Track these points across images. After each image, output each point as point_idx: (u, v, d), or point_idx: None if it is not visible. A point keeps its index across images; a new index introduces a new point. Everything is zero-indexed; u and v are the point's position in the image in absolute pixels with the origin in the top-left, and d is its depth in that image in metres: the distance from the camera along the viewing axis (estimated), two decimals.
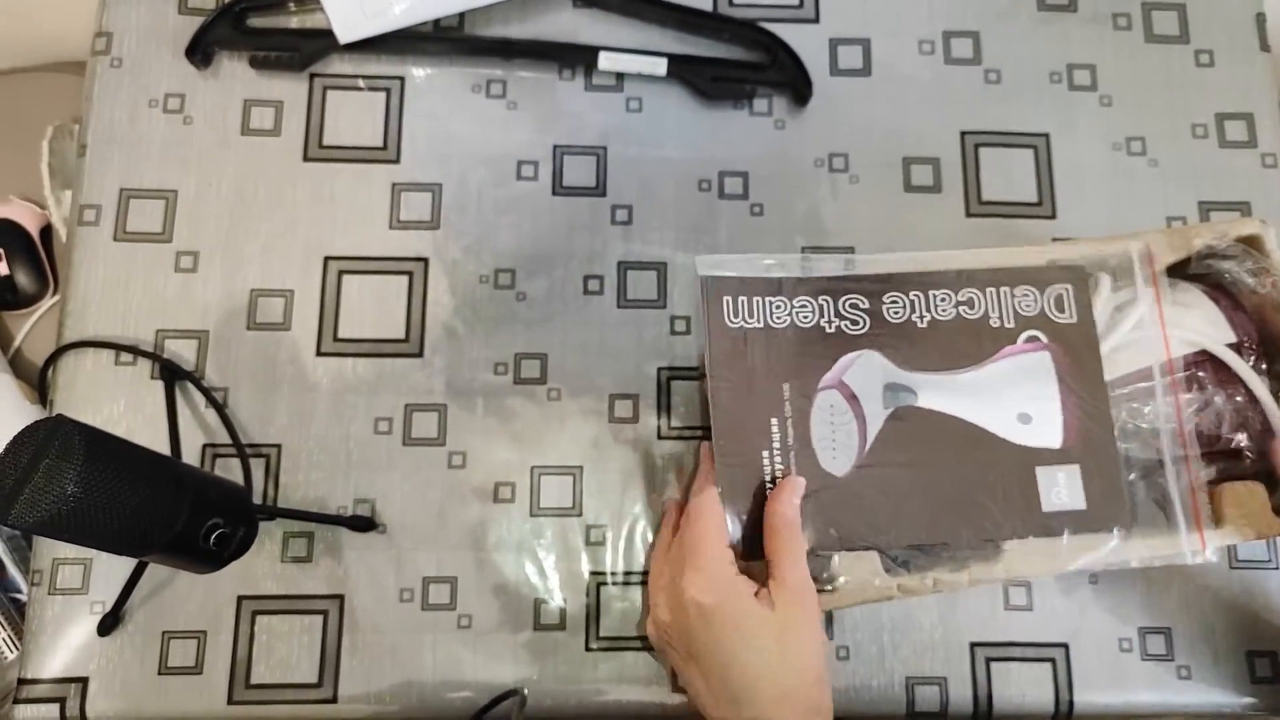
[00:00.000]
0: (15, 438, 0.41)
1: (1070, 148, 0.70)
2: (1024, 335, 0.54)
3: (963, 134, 0.70)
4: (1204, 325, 0.54)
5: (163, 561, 0.48)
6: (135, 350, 0.63)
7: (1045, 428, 0.53)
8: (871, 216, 0.68)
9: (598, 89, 0.70)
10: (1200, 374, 0.53)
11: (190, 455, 0.62)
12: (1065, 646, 0.63)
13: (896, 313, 0.54)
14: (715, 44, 0.70)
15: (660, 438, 0.64)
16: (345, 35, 0.66)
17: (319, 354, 0.64)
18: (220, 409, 0.62)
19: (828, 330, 0.54)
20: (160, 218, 0.66)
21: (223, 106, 0.68)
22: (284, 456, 0.63)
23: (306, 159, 0.67)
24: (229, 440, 0.62)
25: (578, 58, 0.69)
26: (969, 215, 0.69)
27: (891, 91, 0.70)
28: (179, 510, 0.45)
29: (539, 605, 0.62)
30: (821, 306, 0.54)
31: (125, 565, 0.60)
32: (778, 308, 0.54)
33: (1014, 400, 0.53)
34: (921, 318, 0.54)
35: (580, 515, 0.63)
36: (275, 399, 0.63)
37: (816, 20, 0.71)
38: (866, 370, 0.53)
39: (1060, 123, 0.70)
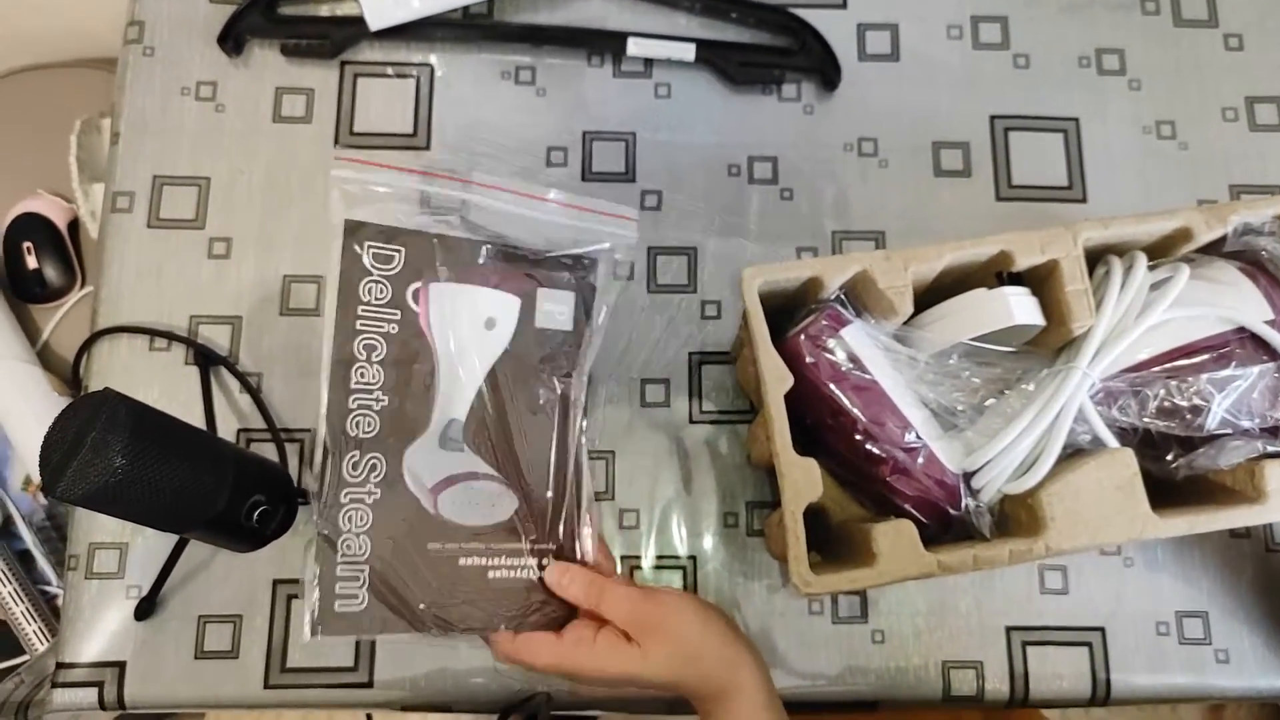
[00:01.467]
0: (62, 413, 0.41)
1: (1100, 131, 0.70)
2: (410, 297, 0.53)
3: (992, 118, 0.70)
4: (1241, 302, 0.54)
5: (204, 539, 0.48)
6: (170, 335, 0.63)
7: (501, 309, 0.55)
8: (901, 201, 0.68)
9: (626, 75, 0.70)
10: (1239, 351, 0.53)
11: None
12: (1102, 630, 0.62)
13: (358, 423, 0.52)
14: (743, 29, 0.70)
15: (692, 422, 0.64)
16: (376, 22, 0.66)
17: None
18: (254, 394, 0.63)
19: (371, 499, 0.51)
20: (193, 205, 0.66)
21: (254, 94, 0.68)
22: (317, 441, 0.63)
23: (338, 145, 0.67)
24: (263, 425, 0.62)
25: (606, 44, 0.69)
26: (999, 199, 0.69)
27: (920, 76, 0.70)
28: (223, 485, 0.45)
29: None
30: (348, 521, 0.51)
31: (161, 549, 0.60)
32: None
33: (472, 329, 0.54)
34: (379, 403, 0.52)
35: (613, 500, 0.63)
36: (309, 384, 0.64)
37: (844, 6, 0.71)
38: (420, 462, 0.52)
39: (1090, 107, 0.70)
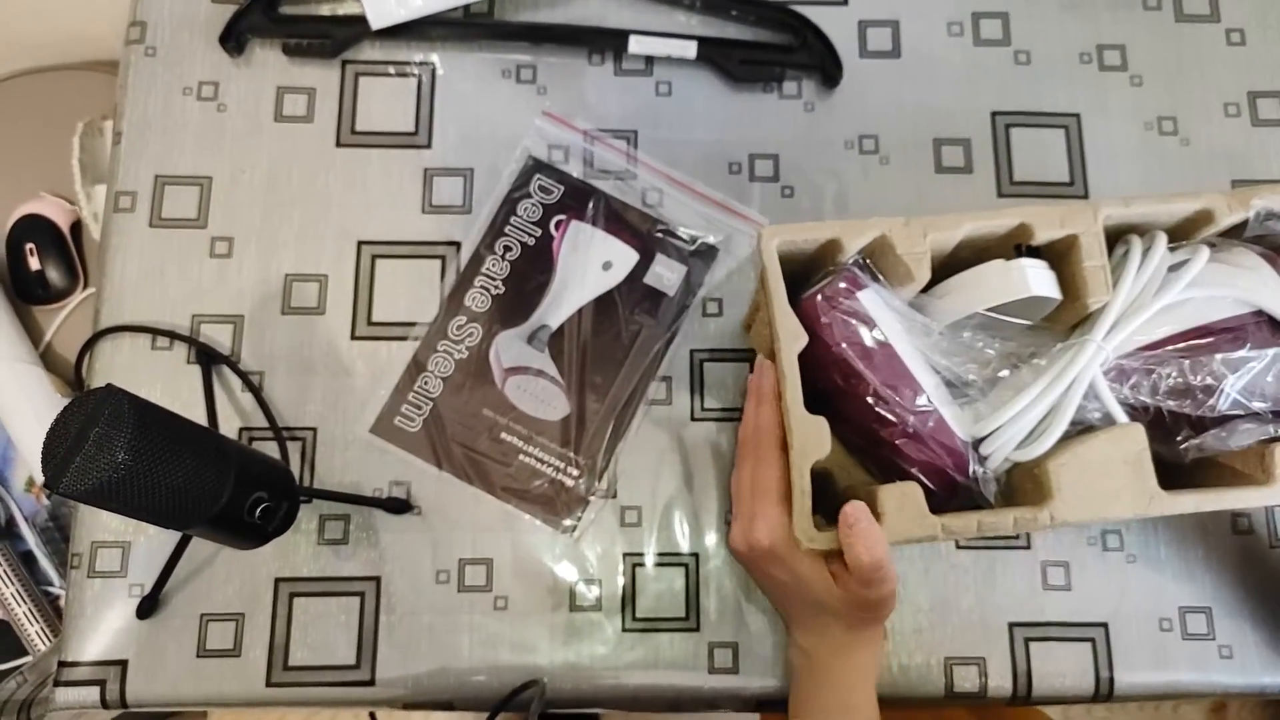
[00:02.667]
0: (65, 408, 0.41)
1: (1101, 127, 0.70)
2: (553, 225, 0.66)
3: (993, 114, 0.70)
4: (1260, 286, 0.53)
5: (207, 535, 0.48)
6: (172, 334, 0.63)
7: (621, 258, 0.66)
8: (902, 197, 0.68)
9: (627, 73, 0.70)
10: (1255, 333, 0.53)
11: None
12: (1105, 626, 0.62)
13: (474, 297, 0.65)
14: (744, 27, 0.70)
15: (694, 419, 0.64)
16: (377, 21, 0.66)
17: (353, 338, 0.65)
18: (256, 392, 0.63)
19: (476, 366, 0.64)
20: (195, 204, 0.66)
21: (256, 93, 0.68)
22: (319, 440, 0.63)
23: (339, 145, 0.68)
24: (265, 424, 0.62)
25: (607, 42, 0.69)
26: (1000, 195, 0.68)
27: (921, 73, 0.70)
28: (225, 481, 0.45)
29: (575, 586, 0.62)
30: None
31: (163, 548, 0.60)
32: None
33: (592, 266, 0.65)
34: (495, 289, 0.65)
35: (615, 497, 0.63)
36: (310, 383, 0.64)
37: (845, 3, 0.71)
38: (506, 347, 0.64)
39: (1091, 103, 0.70)
